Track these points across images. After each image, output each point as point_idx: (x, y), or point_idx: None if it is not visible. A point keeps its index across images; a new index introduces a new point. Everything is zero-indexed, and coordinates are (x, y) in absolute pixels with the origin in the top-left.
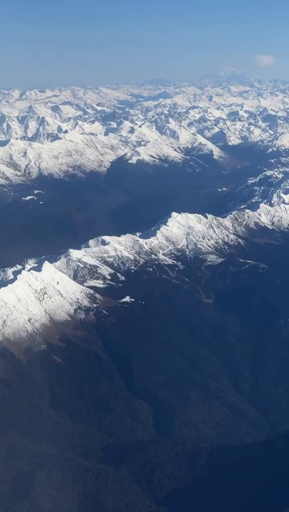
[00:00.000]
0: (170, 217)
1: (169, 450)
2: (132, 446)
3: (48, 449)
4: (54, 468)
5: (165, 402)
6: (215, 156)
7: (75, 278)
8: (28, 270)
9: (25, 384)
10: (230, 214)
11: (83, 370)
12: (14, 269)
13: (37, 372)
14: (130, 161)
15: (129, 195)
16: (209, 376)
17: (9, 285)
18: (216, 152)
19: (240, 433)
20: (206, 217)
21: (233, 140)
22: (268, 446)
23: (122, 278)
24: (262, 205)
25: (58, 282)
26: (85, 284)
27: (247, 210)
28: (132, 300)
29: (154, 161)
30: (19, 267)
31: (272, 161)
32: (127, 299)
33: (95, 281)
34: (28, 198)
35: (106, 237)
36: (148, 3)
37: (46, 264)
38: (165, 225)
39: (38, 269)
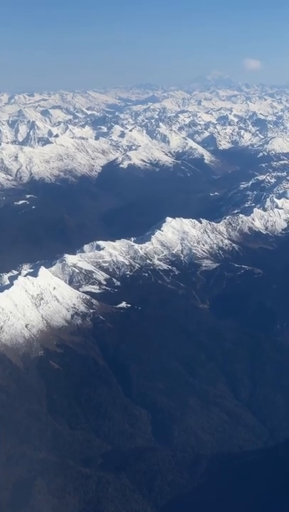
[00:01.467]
0: (164, 222)
1: (169, 457)
2: (131, 453)
3: (47, 456)
4: (54, 475)
5: (163, 408)
6: (206, 161)
7: (70, 283)
8: (24, 275)
9: (22, 390)
10: (224, 219)
11: (81, 376)
12: (10, 274)
13: (34, 378)
14: (121, 166)
15: (121, 200)
16: (207, 382)
17: (6, 291)
18: (207, 156)
19: (239, 439)
20: (201, 222)
21: (224, 144)
22: (268, 454)
23: (118, 283)
24: (255, 209)
25: (55, 288)
26: (80, 289)
27: (241, 215)
28: (129, 305)
29: (145, 165)
30: (15, 272)
31: (264, 165)
32: (124, 304)
33: (90, 286)
34: (21, 202)
35: (101, 242)
36: (134, 7)
37: (42, 270)
38: (160, 229)
39: (34, 274)
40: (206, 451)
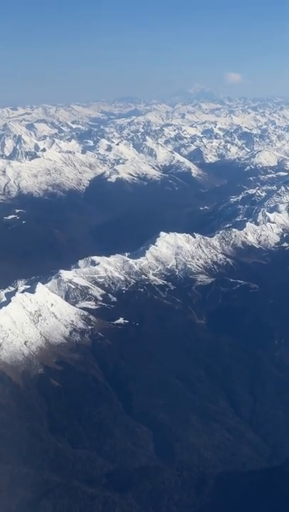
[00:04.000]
0: (158, 236)
1: (175, 476)
2: (136, 473)
3: (51, 477)
4: (60, 496)
5: (165, 425)
6: (193, 174)
7: (66, 299)
8: (22, 292)
9: (23, 409)
10: (218, 233)
11: (81, 394)
12: (6, 290)
13: (35, 396)
14: (109, 180)
15: (110, 214)
16: (207, 398)
17: (4, 307)
18: (194, 170)
19: (242, 457)
20: (194, 237)
21: (210, 158)
22: (273, 473)
23: (114, 299)
24: (248, 224)
25: (52, 304)
26: (77, 305)
27: (234, 229)
28: (126, 321)
29: (133, 179)
30: (11, 288)
31: (251, 178)
32: (121, 320)
33: (87, 302)
34: (10, 217)
35: (95, 258)
36: (113, 21)
37: (40, 286)
38: (154, 244)
39: (32, 290)
40: (211, 470)
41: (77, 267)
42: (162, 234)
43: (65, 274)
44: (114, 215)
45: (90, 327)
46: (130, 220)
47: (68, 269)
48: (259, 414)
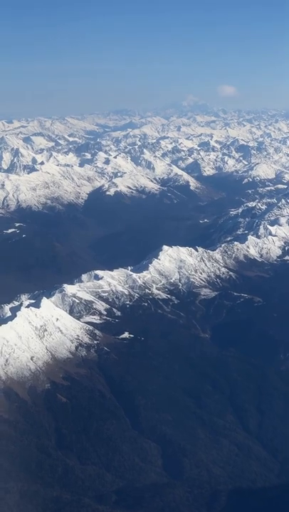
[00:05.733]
0: (161, 250)
1: (186, 493)
2: (146, 489)
3: (61, 494)
4: None
5: (173, 441)
6: (191, 187)
7: (71, 314)
8: (27, 306)
9: (30, 425)
10: (220, 246)
11: (88, 410)
12: (11, 305)
13: (42, 412)
14: (108, 193)
15: (109, 227)
16: (215, 413)
17: (9, 322)
18: (192, 183)
19: (251, 473)
20: (197, 250)
21: (208, 170)
22: (284, 489)
23: (118, 313)
24: (250, 237)
25: (58, 319)
26: (81, 319)
27: (236, 243)
28: (131, 336)
29: (132, 192)
30: (16, 303)
31: (250, 191)
32: (126, 334)
33: (91, 316)
34: (10, 231)
35: (99, 272)
36: (107, 34)
37: (45, 301)
38: (157, 258)
39: (37, 305)
40: (222, 486)
41: (81, 281)
42: (165, 247)
43: (69, 289)
44: (113, 228)
45: (95, 342)
46: (130, 233)
47: (71, 283)
48: (267, 429)
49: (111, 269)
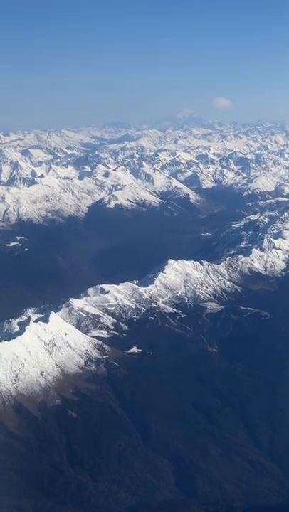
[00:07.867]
0: (167, 264)
1: (201, 511)
2: (161, 507)
3: (74, 511)
4: None
5: (185, 457)
6: (191, 200)
7: (78, 328)
8: (35, 321)
9: (41, 441)
10: (225, 260)
11: (99, 425)
12: (19, 319)
13: (53, 428)
14: (108, 206)
15: (110, 240)
16: (226, 429)
17: (18, 337)
18: (192, 196)
19: (264, 490)
20: (202, 264)
21: (207, 183)
22: None
23: (126, 327)
24: (254, 250)
25: (66, 333)
26: (89, 334)
27: (240, 256)
28: (140, 350)
29: (132, 205)
30: (23, 317)
31: (250, 204)
32: (134, 349)
33: (98, 331)
34: (12, 244)
35: (105, 286)
36: (101, 45)
37: (53, 315)
38: (162, 272)
39: (45, 319)
40: (236, 503)
41: (87, 295)
42: (170, 261)
43: (76, 303)
44: (114, 241)
45: (104, 356)
46: (131, 246)
47: (77, 296)
48: (278, 445)
49: (114, 283)
